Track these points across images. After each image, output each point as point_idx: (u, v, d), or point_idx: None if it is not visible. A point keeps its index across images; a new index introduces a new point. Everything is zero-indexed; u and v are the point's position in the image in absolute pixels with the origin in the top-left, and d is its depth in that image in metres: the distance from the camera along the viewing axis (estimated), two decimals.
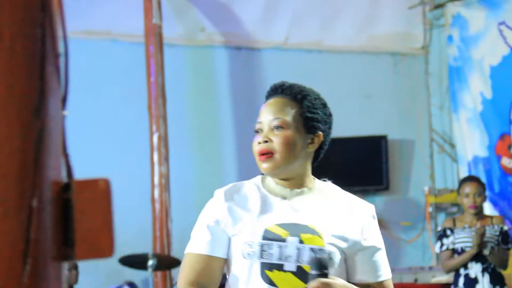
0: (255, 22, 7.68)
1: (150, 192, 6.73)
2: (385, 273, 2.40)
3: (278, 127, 2.38)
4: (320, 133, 2.42)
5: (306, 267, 2.30)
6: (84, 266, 6.52)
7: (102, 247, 0.89)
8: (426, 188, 7.86)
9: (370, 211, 2.43)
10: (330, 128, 2.47)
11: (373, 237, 2.40)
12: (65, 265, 0.89)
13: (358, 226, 2.39)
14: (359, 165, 7.75)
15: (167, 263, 6.08)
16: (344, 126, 7.73)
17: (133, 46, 7.22)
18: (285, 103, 2.41)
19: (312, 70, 7.82)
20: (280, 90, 2.45)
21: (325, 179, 2.55)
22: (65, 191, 0.89)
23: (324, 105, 2.46)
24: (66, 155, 0.93)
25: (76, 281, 6.44)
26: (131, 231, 6.89)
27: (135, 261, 6.07)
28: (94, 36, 7.29)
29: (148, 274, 6.09)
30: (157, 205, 6.69)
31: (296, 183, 2.43)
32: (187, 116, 7.42)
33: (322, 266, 2.24)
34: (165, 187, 6.71)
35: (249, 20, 7.66)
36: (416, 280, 6.59)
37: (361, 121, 7.84)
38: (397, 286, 6.47)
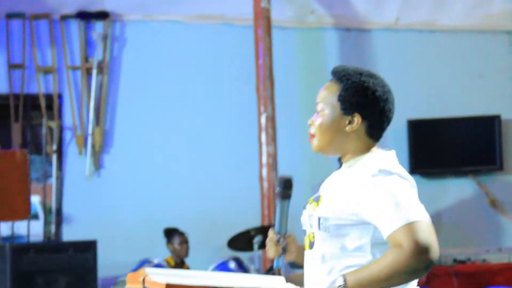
0: (365, 3, 7.70)
1: (258, 171, 6.90)
2: (387, 228, 2.32)
3: (318, 112, 2.54)
4: (357, 114, 2.48)
5: (310, 233, 2.52)
6: (195, 241, 6.77)
7: (19, 210, 1.01)
8: None
9: (371, 171, 2.41)
10: (375, 109, 2.50)
11: (367, 197, 2.38)
12: None
13: (354, 192, 2.42)
14: (472, 145, 7.67)
15: None
16: (457, 106, 7.68)
17: (244, 30, 7.40)
18: (330, 87, 2.54)
19: (423, 51, 7.79)
20: (332, 73, 2.56)
21: (389, 149, 2.57)
22: None
23: (366, 87, 2.50)
24: None
25: (186, 254, 6.69)
26: (241, 209, 7.08)
27: (241, 242, 6.25)
28: (207, 20, 7.51)
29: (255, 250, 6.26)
30: (265, 184, 6.86)
31: (346, 159, 2.55)
32: (296, 97, 7.53)
33: (284, 184, 2.52)
34: (273, 166, 6.87)
35: (359, 1, 7.69)
36: None
37: (474, 101, 7.74)
38: (506, 266, 6.40)
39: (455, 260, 6.38)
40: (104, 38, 7.31)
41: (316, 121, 2.52)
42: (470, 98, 7.73)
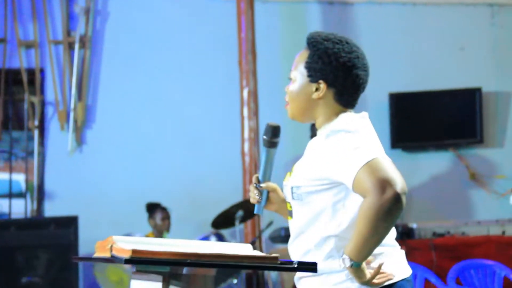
0: None
1: (240, 146, 6.93)
2: (348, 179, 2.38)
3: (290, 79, 2.62)
4: (321, 81, 2.53)
5: (287, 203, 2.63)
6: (177, 216, 6.82)
7: None
8: None
9: (326, 132, 2.51)
10: (340, 75, 2.52)
11: (330, 157, 2.44)
12: None
13: (319, 155, 2.50)
14: (453, 118, 7.71)
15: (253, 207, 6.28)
16: (438, 79, 7.71)
17: (226, 3, 7.39)
18: (301, 54, 2.59)
19: (405, 24, 7.79)
20: (306, 40, 2.60)
21: (363, 112, 2.60)
22: None
23: (331, 54, 2.51)
24: None
25: (168, 229, 6.74)
26: (223, 183, 7.12)
27: (223, 219, 6.30)
28: None
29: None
30: (247, 159, 6.89)
31: (318, 126, 2.60)
32: (278, 71, 7.54)
33: (271, 132, 2.58)
34: (254, 141, 6.90)
35: None
36: (503, 232, 6.55)
37: (455, 74, 7.77)
38: (484, 238, 6.46)
39: (434, 233, 6.43)
40: (86, 11, 7.29)
41: (288, 88, 2.60)
42: (452, 71, 7.76)
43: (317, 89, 2.54)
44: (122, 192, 7.16)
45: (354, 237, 2.37)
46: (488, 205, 7.59)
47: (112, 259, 2.39)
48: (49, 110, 7.29)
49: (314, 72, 2.52)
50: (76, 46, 7.24)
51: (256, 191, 2.64)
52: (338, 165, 2.41)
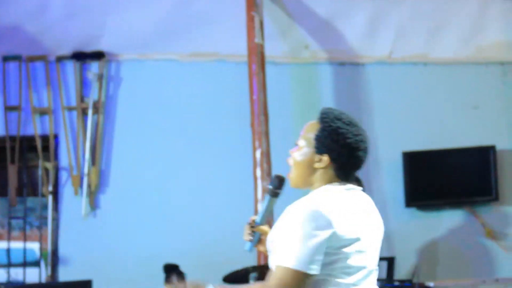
0: (358, 37, 7.75)
1: (253, 207, 6.91)
2: (277, 260, 2.68)
3: (297, 145, 2.89)
4: (327, 155, 2.78)
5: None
6: (191, 277, 6.76)
7: None
8: None
9: (289, 209, 2.72)
10: (344, 154, 2.78)
11: (277, 229, 2.74)
12: None
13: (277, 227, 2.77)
14: (467, 176, 7.68)
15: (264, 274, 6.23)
16: (451, 138, 7.70)
17: (238, 66, 7.45)
18: (312, 125, 2.86)
19: (417, 83, 7.83)
20: (319, 113, 2.88)
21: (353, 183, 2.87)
22: None
23: (339, 133, 2.76)
24: None
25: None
26: (237, 245, 7.07)
27: (237, 276, 6.25)
28: (201, 58, 7.57)
29: None
30: None
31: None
32: (290, 132, 7.52)
33: (277, 183, 2.92)
34: None
35: (353, 35, 7.74)
36: None
37: (469, 132, 7.76)
38: None
39: None
40: (100, 78, 7.38)
41: (294, 154, 2.85)
42: (465, 130, 7.76)
43: (320, 160, 2.79)
44: (136, 256, 7.13)
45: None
46: (505, 262, 7.50)
47: None
48: (63, 176, 7.33)
49: (322, 146, 2.77)
50: (90, 112, 7.31)
51: (249, 231, 2.98)
52: (278, 245, 2.70)
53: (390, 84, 7.81)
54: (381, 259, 7.03)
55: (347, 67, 7.80)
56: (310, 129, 2.83)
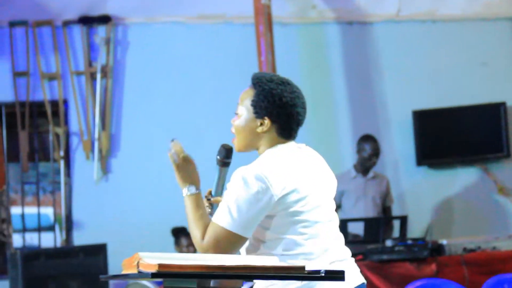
0: None
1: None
2: (215, 217, 2.80)
3: (236, 113, 2.95)
4: (267, 118, 2.85)
5: None
6: None
7: None
8: None
9: (234, 173, 2.83)
10: (283, 113, 2.84)
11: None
12: None
13: None
14: (478, 133, 7.67)
15: None
16: (461, 95, 7.67)
17: (245, 27, 7.42)
18: (247, 92, 2.91)
19: (426, 41, 7.79)
20: (251, 79, 2.93)
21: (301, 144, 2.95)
22: None
23: (274, 94, 2.83)
24: None
25: None
26: None
27: None
28: (208, 20, 7.54)
29: None
30: None
31: (260, 154, 2.92)
32: None
33: (224, 153, 2.98)
34: None
35: None
36: None
37: (478, 89, 7.74)
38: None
39: (465, 249, 6.37)
40: (107, 42, 7.35)
41: (234, 122, 2.93)
42: (475, 86, 7.73)
43: (261, 124, 2.86)
44: (149, 219, 7.16)
45: (193, 211, 2.86)
46: None
47: (140, 275, 2.40)
48: (74, 141, 7.34)
49: (260, 109, 2.84)
50: (98, 76, 7.30)
51: (207, 203, 3.00)
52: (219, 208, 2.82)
53: (398, 43, 7.77)
54: (393, 218, 7.07)
55: (354, 26, 7.76)
56: (245, 96, 2.90)
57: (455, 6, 7.78)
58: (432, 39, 7.78)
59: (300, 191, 2.76)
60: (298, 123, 2.88)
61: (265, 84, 2.85)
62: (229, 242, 2.73)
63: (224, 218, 2.75)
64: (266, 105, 2.84)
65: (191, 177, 2.94)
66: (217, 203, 2.96)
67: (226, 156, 2.99)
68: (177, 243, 6.75)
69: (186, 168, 2.96)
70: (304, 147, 2.91)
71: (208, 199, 3.02)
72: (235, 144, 2.96)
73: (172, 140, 3.05)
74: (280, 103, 2.83)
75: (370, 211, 6.91)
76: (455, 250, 6.28)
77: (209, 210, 3.00)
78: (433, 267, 6.12)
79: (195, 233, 2.79)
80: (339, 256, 2.84)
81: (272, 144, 2.86)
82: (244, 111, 2.90)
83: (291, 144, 2.88)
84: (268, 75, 2.92)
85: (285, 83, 2.88)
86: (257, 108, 2.85)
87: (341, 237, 2.90)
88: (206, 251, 2.74)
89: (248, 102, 2.89)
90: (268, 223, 2.77)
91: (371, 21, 7.75)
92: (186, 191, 2.90)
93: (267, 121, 2.85)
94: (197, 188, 2.90)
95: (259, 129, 2.86)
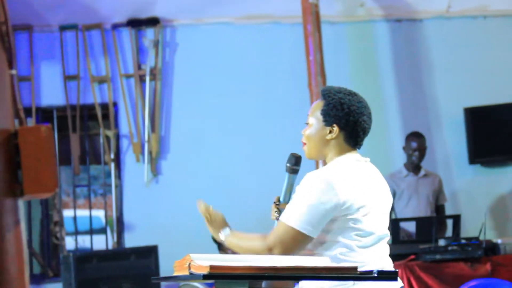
0: None
1: (314, 167, 6.88)
2: (282, 217, 2.97)
3: (307, 123, 3.13)
4: (335, 125, 3.03)
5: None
6: None
7: (46, 184, 1.04)
8: None
9: (304, 178, 2.98)
10: (350, 121, 3.03)
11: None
12: (19, 201, 1.05)
13: None
14: None
15: None
16: None
17: (293, 27, 7.40)
18: (317, 103, 3.11)
19: (477, 37, 7.68)
20: (320, 92, 3.16)
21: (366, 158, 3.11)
22: (15, 138, 1.05)
23: (343, 103, 3.03)
24: (17, 108, 1.09)
25: None
26: None
27: None
28: (256, 20, 7.53)
29: None
30: None
31: (328, 161, 3.11)
32: None
33: (294, 160, 3.14)
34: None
35: None
36: None
37: None
38: None
39: None
40: (156, 44, 7.38)
41: (305, 132, 3.10)
42: None
43: (330, 132, 3.04)
44: (200, 220, 7.13)
45: (239, 235, 3.08)
46: None
47: (191, 277, 2.40)
48: (124, 143, 7.38)
49: (329, 117, 3.03)
50: (147, 79, 7.33)
51: (276, 209, 3.19)
52: (287, 209, 2.99)
53: (449, 39, 7.67)
54: (446, 217, 6.97)
55: (404, 23, 7.68)
56: (316, 107, 3.09)
57: (506, 1, 7.66)
58: (483, 35, 7.67)
59: (362, 201, 2.93)
60: (364, 131, 3.06)
61: (334, 95, 3.04)
62: (295, 240, 2.90)
63: (291, 217, 2.90)
64: (335, 113, 3.02)
65: (220, 223, 3.14)
66: (285, 208, 3.09)
67: (295, 163, 3.15)
68: (220, 248, 6.75)
69: (214, 219, 3.17)
70: (368, 161, 3.08)
71: (277, 204, 3.19)
72: (306, 151, 3.12)
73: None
74: (348, 111, 3.02)
75: (423, 210, 6.83)
76: (510, 249, 6.18)
77: (277, 215, 3.16)
78: (488, 266, 6.03)
79: (255, 247, 2.95)
80: (386, 268, 2.99)
81: (340, 151, 3.04)
82: (314, 120, 3.07)
83: (357, 155, 3.05)
84: (337, 87, 3.11)
85: (352, 94, 3.08)
86: (326, 117, 3.03)
87: (388, 252, 3.08)
88: (271, 249, 2.90)
89: (318, 112, 3.06)
90: (329, 226, 2.92)
91: (421, 18, 7.66)
92: (223, 236, 3.10)
93: (336, 128, 3.02)
94: (229, 227, 3.12)
95: (329, 136, 3.03)
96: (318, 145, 3.06)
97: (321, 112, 3.04)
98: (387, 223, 3.07)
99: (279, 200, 3.20)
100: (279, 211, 3.16)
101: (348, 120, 3.02)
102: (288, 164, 3.16)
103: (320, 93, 3.12)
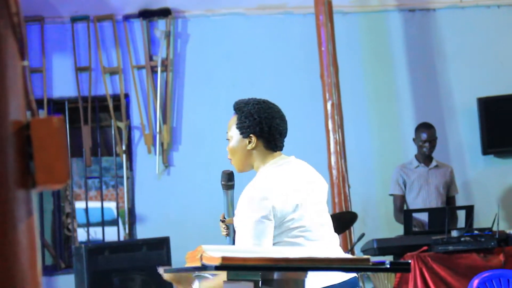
0: None
1: (327, 160, 6.87)
2: (236, 241, 3.13)
3: (228, 139, 3.34)
4: (252, 135, 3.24)
5: None
6: None
7: (58, 174, 1.03)
8: None
9: (240, 196, 3.15)
10: (264, 125, 3.23)
11: (235, 216, 3.19)
12: (31, 192, 1.04)
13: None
14: None
15: (346, 220, 6.23)
16: None
17: (305, 18, 7.38)
18: (232, 119, 3.32)
19: (491, 26, 7.64)
20: (233, 107, 3.35)
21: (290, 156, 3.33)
22: (27, 129, 1.04)
23: (252, 113, 3.23)
24: (29, 100, 1.08)
25: None
26: None
27: None
28: (268, 11, 7.51)
29: None
30: (334, 172, 6.82)
31: (256, 170, 3.30)
32: (361, 83, 7.47)
33: (226, 177, 3.34)
34: (341, 154, 6.83)
35: None
36: None
37: None
38: None
39: None
40: (167, 35, 7.37)
41: (229, 147, 3.30)
42: None
43: (249, 142, 3.24)
44: (211, 211, 7.15)
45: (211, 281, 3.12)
46: None
47: (203, 268, 2.38)
48: (136, 135, 7.38)
49: (245, 129, 3.24)
50: (159, 70, 7.32)
51: (224, 226, 3.38)
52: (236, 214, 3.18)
53: (462, 29, 7.63)
54: (459, 208, 6.95)
55: (417, 13, 7.64)
56: (231, 123, 3.30)
57: None
58: (497, 25, 7.63)
59: (296, 200, 3.12)
60: (281, 133, 3.27)
61: (244, 107, 3.27)
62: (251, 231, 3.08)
63: (243, 238, 3.08)
64: (249, 124, 3.23)
65: (188, 280, 3.18)
66: (231, 223, 3.31)
67: (228, 179, 3.34)
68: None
69: (179, 279, 3.21)
70: (293, 159, 3.28)
71: (223, 221, 3.38)
72: (235, 166, 3.33)
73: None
74: (259, 119, 3.23)
75: (434, 201, 6.81)
76: None
77: (226, 231, 3.36)
78: (501, 257, 6.01)
79: (221, 277, 2.97)
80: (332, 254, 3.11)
81: (264, 158, 3.25)
82: (233, 135, 3.28)
83: (280, 158, 3.24)
84: (246, 99, 3.32)
85: (261, 102, 3.29)
86: (242, 129, 3.25)
87: (335, 237, 3.28)
88: None
89: (234, 126, 3.28)
90: (274, 230, 3.12)
91: (434, 8, 7.62)
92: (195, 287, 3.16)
93: (253, 138, 3.23)
94: (194, 282, 3.16)
95: (249, 146, 3.24)
96: (242, 157, 3.27)
97: (237, 126, 3.26)
98: (325, 209, 3.28)
99: (224, 217, 3.38)
100: (227, 227, 3.36)
101: (262, 127, 3.22)
102: (222, 182, 3.36)
103: (233, 109, 3.31)
